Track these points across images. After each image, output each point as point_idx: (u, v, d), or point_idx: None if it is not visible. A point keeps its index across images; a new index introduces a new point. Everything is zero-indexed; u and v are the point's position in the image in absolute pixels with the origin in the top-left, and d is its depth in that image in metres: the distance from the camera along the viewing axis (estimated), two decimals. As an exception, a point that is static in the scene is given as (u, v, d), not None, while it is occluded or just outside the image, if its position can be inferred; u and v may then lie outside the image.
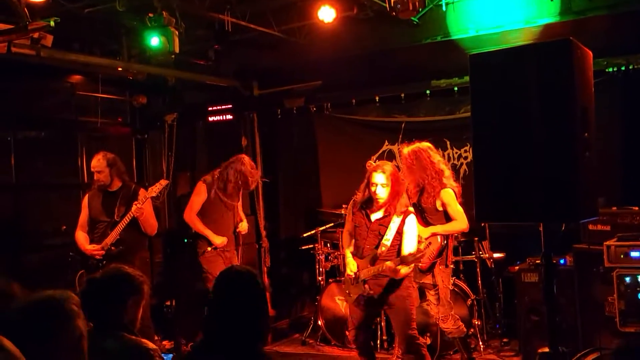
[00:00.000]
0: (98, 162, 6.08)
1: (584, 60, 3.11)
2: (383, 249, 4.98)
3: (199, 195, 6.40)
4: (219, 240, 6.30)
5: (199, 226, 6.33)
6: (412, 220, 5.04)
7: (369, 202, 5.09)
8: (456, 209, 5.61)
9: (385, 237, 4.99)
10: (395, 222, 4.99)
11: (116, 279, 3.19)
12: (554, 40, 3.04)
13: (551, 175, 2.96)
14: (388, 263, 4.83)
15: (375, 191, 4.97)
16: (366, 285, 5.02)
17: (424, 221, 5.69)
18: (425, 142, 5.80)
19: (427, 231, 5.61)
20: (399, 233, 5.00)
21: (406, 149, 5.75)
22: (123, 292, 3.17)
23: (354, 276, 5.06)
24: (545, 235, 3.24)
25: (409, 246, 4.96)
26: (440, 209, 5.65)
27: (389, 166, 5.05)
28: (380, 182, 4.95)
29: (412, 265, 4.98)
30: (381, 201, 5.00)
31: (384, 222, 5.03)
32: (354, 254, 5.19)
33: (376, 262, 4.97)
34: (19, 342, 1.89)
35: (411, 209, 5.15)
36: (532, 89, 3.01)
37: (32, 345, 2.04)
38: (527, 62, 3.03)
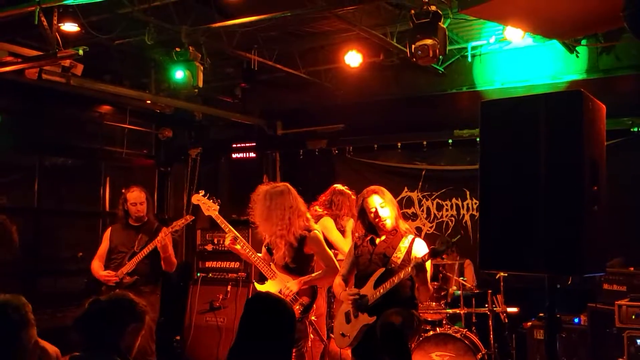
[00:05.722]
0: (140, 193, 6.02)
1: (596, 113, 3.06)
2: (393, 265, 4.39)
3: None
4: None
5: None
6: (421, 242, 4.53)
7: (372, 232, 4.58)
8: None
9: (395, 255, 4.43)
10: (405, 242, 4.48)
11: (119, 303, 3.19)
12: (565, 91, 3.01)
13: (556, 227, 2.90)
14: (408, 268, 4.22)
15: (377, 212, 4.48)
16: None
17: None
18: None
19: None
20: (409, 254, 4.43)
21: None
22: (124, 317, 3.17)
23: (357, 298, 4.39)
24: (550, 289, 3.16)
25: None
26: None
27: (377, 187, 4.63)
28: (379, 203, 4.50)
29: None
30: (388, 223, 4.49)
31: (391, 243, 4.50)
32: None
33: (389, 278, 4.33)
34: None
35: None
36: (542, 138, 2.97)
37: None
38: (538, 111, 3.01)
